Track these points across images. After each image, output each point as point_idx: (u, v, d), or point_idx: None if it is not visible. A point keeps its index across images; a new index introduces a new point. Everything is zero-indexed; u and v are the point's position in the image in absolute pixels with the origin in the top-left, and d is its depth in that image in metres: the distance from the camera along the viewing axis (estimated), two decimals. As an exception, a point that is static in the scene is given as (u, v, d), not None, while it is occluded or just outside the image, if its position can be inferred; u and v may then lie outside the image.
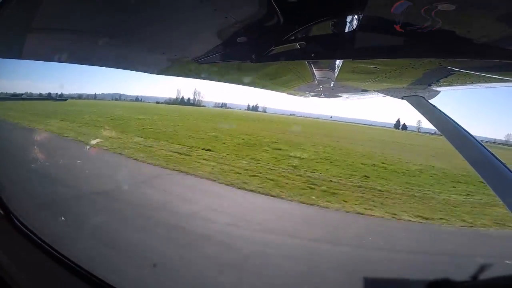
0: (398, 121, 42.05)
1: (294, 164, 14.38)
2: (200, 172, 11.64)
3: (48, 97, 26.54)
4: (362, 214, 9.13)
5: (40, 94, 26.53)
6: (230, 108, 45.55)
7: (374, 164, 15.85)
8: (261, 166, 13.43)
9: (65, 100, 26.69)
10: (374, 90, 4.50)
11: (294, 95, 7.37)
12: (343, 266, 5.88)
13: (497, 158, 3.01)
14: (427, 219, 9.18)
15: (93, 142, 14.07)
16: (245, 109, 47.82)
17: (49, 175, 8.61)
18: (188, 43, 2.55)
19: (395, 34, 1.77)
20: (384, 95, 4.35)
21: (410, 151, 22.06)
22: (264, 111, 48.29)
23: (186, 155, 13.93)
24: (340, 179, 12.73)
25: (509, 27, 1.51)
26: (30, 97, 23.93)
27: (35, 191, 7.02)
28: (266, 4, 1.89)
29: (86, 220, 6.13)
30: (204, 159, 13.60)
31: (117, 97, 38.19)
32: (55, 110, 21.18)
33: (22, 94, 23.76)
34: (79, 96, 31.44)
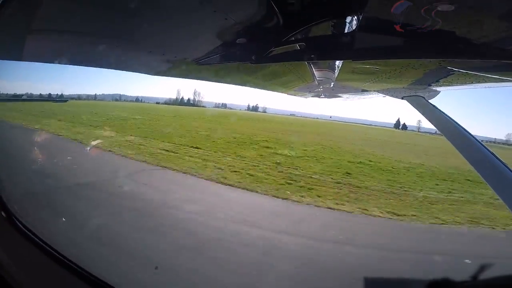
0: (398, 121, 42.09)
1: (278, 161, 14.84)
2: (182, 167, 12.15)
3: (49, 98, 26.50)
4: (332, 208, 9.44)
5: (41, 95, 26.51)
6: (231, 108, 45.57)
7: (360, 162, 16.17)
8: (245, 163, 13.86)
9: (66, 101, 26.63)
10: (374, 90, 4.50)
11: (294, 95, 7.37)
12: (299, 256, 6.25)
13: (497, 158, 3.01)
14: (398, 215, 9.36)
15: (91, 141, 14.51)
16: (245, 110, 47.86)
17: (39, 169, 9.21)
18: (188, 45, 2.55)
19: (395, 35, 1.78)
20: (384, 95, 4.35)
21: (403, 150, 22.37)
22: (264, 111, 48.31)
23: (173, 152, 14.42)
24: (320, 176, 13.05)
25: (509, 27, 1.51)
26: (30, 98, 23.88)
27: (29, 186, 7.27)
28: (265, 5, 1.90)
29: (67, 209, 6.66)
30: (189, 156, 14.09)
31: (117, 98, 38.18)
32: (53, 111, 21.35)
33: (22, 95, 23.71)
34: (79, 97, 31.40)
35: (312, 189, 11.11)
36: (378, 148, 21.45)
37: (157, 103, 41.46)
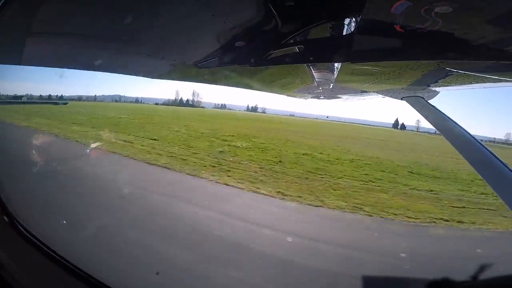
0: (397, 120, 42.00)
1: (221, 150, 15.96)
2: (128, 153, 13.85)
3: (49, 99, 26.47)
4: (233, 186, 10.76)
5: (41, 97, 26.45)
6: (229, 109, 45.48)
7: (305, 154, 16.90)
8: (187, 151, 15.02)
9: (66, 103, 26.57)
10: (373, 91, 4.51)
11: (294, 97, 7.38)
12: (189, 223, 7.22)
13: (496, 158, 3.02)
14: (285, 195, 10.26)
15: (67, 135, 16.26)
16: (244, 110, 47.77)
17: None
18: (188, 48, 2.56)
19: (393, 37, 1.78)
20: (383, 96, 4.36)
21: (375, 146, 22.64)
22: (264, 112, 48.21)
23: (129, 142, 15.76)
24: (249, 162, 14.16)
25: (506, 29, 1.52)
26: (30, 101, 23.85)
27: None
28: (264, 9, 1.90)
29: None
30: (141, 145, 15.49)
31: (117, 99, 38.16)
32: (50, 111, 21.98)
33: (22, 97, 23.71)
34: (79, 98, 31.41)
35: (229, 171, 12.40)
36: (350, 144, 22.01)
37: (156, 104, 41.48)
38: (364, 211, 9.47)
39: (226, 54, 2.47)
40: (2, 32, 1.91)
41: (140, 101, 40.95)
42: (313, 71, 4.08)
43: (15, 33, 2.02)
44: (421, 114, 3.68)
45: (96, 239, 5.69)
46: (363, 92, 4.95)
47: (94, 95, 34.27)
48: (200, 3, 1.83)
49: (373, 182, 12.85)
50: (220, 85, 4.68)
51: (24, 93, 23.99)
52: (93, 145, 14.54)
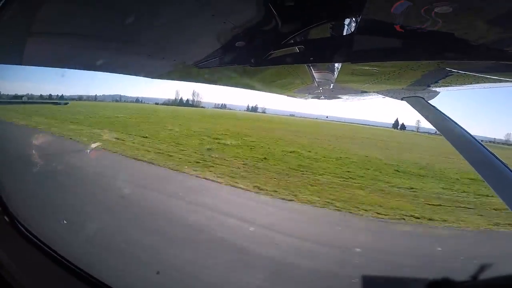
0: (397, 121, 42.03)
1: (209, 148, 16.34)
2: (117, 150, 14.29)
3: (49, 99, 26.48)
4: (212, 180, 11.23)
5: (41, 96, 26.46)
6: (229, 109, 45.50)
7: (293, 151, 17.33)
8: (176, 149, 15.42)
9: (67, 103, 26.57)
10: (374, 92, 4.51)
11: (294, 97, 7.38)
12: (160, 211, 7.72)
13: (497, 158, 3.02)
14: (261, 189, 10.72)
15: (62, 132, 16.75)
16: (244, 110, 47.78)
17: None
18: (188, 48, 2.56)
19: (393, 37, 1.79)
20: (383, 96, 4.36)
21: (368, 145, 23.13)
22: (264, 112, 48.19)
23: (121, 140, 16.23)
24: (234, 159, 14.53)
25: (506, 29, 1.52)
26: (30, 101, 23.85)
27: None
28: (264, 9, 1.91)
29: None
30: (132, 142, 16.00)
31: (118, 99, 38.19)
32: (49, 110, 22.31)
33: (22, 97, 23.73)
34: (80, 98, 31.43)
35: (212, 166, 12.88)
36: (343, 143, 22.46)
37: (156, 104, 41.51)
38: (334, 206, 9.78)
39: (226, 54, 2.47)
40: (2, 32, 1.91)
41: (140, 101, 40.97)
42: (313, 71, 4.08)
43: (15, 33, 2.03)
44: (421, 115, 3.67)
45: (80, 228, 5.88)
46: (363, 92, 4.95)
47: (94, 95, 34.35)
48: (200, 3, 1.83)
49: (353, 179, 13.11)
50: (220, 85, 4.69)
51: (24, 93, 24.02)
52: (87, 144, 14.97)
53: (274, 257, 6.03)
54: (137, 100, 40.74)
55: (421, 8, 1.44)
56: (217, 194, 10.16)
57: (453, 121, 3.38)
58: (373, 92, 4.53)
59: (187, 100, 44.11)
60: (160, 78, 3.73)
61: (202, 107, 43.51)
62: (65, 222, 5.85)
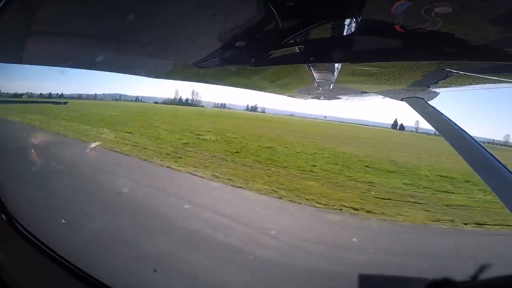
0: (396, 121, 42.10)
1: (186, 142, 17.20)
2: (101, 143, 15.42)
3: (49, 98, 26.50)
4: (173, 168, 12.21)
5: (41, 95, 26.48)
6: (229, 108, 45.50)
7: (269, 147, 18.15)
8: (154, 143, 16.30)
9: (66, 103, 26.53)
10: (373, 92, 4.51)
11: (294, 97, 7.38)
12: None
13: (496, 159, 3.02)
14: (218, 177, 11.52)
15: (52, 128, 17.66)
16: (243, 110, 47.78)
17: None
18: (188, 48, 2.56)
19: (393, 37, 1.78)
20: (383, 96, 4.36)
21: (355, 143, 23.81)
22: (263, 112, 48.19)
23: (104, 135, 17.30)
24: (206, 152, 15.38)
25: (506, 29, 1.52)
26: (30, 100, 23.82)
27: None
28: (264, 9, 1.90)
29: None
30: (115, 137, 17.01)
31: (117, 98, 38.17)
32: (46, 109, 22.82)
33: (22, 95, 23.74)
34: (79, 97, 31.44)
35: (180, 158, 13.74)
36: (329, 141, 23.07)
37: (155, 103, 41.50)
38: (279, 194, 10.45)
39: (226, 54, 2.47)
40: (3, 31, 1.91)
41: (140, 100, 40.94)
42: (313, 72, 4.08)
43: (16, 33, 2.03)
44: (421, 115, 3.68)
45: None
46: (363, 93, 4.95)
47: (94, 93, 34.38)
48: (201, 3, 1.83)
49: (314, 172, 13.75)
50: (220, 85, 4.69)
51: (24, 91, 24.07)
52: (73, 138, 16.08)
53: (196, 229, 6.94)
54: (136, 99, 40.74)
55: (421, 8, 1.44)
56: (173, 179, 11.10)
57: (452, 122, 3.38)
58: (373, 92, 4.53)
59: (187, 99, 44.12)
60: (160, 78, 3.73)
61: (201, 106, 43.49)
62: (52, 214, 6.07)
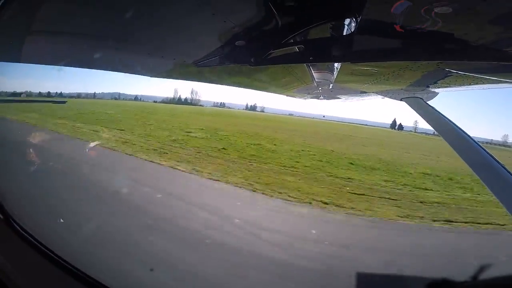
0: (394, 121, 42.11)
1: (175, 139, 17.58)
2: (88, 139, 15.95)
3: (48, 96, 26.38)
4: (157, 163, 12.70)
5: (40, 93, 26.37)
6: (228, 107, 45.46)
7: (258, 144, 18.59)
8: (144, 139, 16.79)
9: (65, 102, 26.44)
10: (373, 92, 4.51)
11: (293, 97, 7.39)
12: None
13: (495, 159, 3.02)
14: (198, 171, 12.03)
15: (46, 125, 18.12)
16: (243, 109, 47.74)
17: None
18: (187, 47, 2.56)
19: (393, 37, 1.78)
20: (383, 96, 4.36)
21: (347, 142, 24.05)
22: (262, 111, 48.20)
23: (96, 132, 17.81)
24: (192, 148, 15.79)
25: (506, 29, 1.52)
26: (29, 99, 23.72)
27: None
28: (264, 8, 1.90)
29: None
30: (107, 134, 17.38)
31: (116, 97, 38.07)
32: (42, 107, 22.99)
33: (21, 93, 23.68)
34: (79, 95, 31.36)
35: (165, 153, 14.23)
36: (322, 139, 23.37)
37: (154, 102, 41.42)
38: (253, 187, 10.87)
39: (226, 53, 2.47)
40: (3, 30, 1.91)
41: (139, 98, 40.81)
42: (312, 71, 4.08)
43: (16, 32, 2.03)
44: (420, 115, 3.68)
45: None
46: (362, 92, 4.95)
47: (93, 92, 34.28)
48: (201, 2, 1.82)
49: (295, 168, 14.02)
50: (220, 84, 4.68)
51: (23, 90, 24.00)
52: (66, 135, 16.65)
53: (159, 214, 7.47)
54: (136, 98, 40.56)
55: (421, 8, 1.44)
56: (155, 173, 11.69)
57: (451, 122, 3.39)
58: (372, 92, 4.53)
59: (186, 98, 44.07)
60: (160, 77, 3.73)
61: (200, 105, 43.44)
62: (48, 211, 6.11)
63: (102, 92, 35.32)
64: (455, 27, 1.59)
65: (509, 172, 2.88)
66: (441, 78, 2.77)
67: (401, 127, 41.42)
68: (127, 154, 13.68)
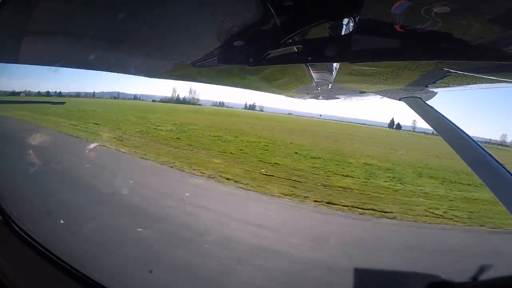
0: (392, 120, 42.22)
1: (139, 131, 18.63)
2: (66, 131, 16.97)
3: (47, 96, 26.40)
4: (131, 154, 13.52)
5: (39, 93, 26.37)
6: (227, 107, 45.53)
7: (217, 136, 19.54)
8: (124, 134, 17.66)
9: (63, 103, 26.38)
10: (371, 92, 4.51)
11: (292, 97, 7.39)
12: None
13: (494, 159, 3.02)
14: (169, 163, 12.60)
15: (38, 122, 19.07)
16: (242, 109, 47.80)
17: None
18: (186, 47, 2.55)
19: (391, 37, 1.78)
20: (381, 96, 4.36)
21: (340, 140, 25.02)
22: (261, 110, 48.28)
23: (74, 125, 18.77)
24: (173, 142, 16.67)
25: (505, 29, 1.52)
26: (27, 100, 23.65)
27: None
28: (263, 8, 1.90)
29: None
30: (85, 128, 18.40)
31: (115, 96, 38.06)
32: (35, 105, 23.69)
33: (20, 93, 23.66)
34: (77, 95, 31.37)
35: (122, 141, 15.50)
36: (313, 137, 24.22)
37: (153, 101, 41.42)
38: (173, 164, 12.28)
39: (224, 54, 2.46)
40: (1, 31, 1.90)
41: (138, 98, 40.84)
42: (311, 71, 4.08)
43: (14, 32, 2.02)
44: (419, 115, 3.68)
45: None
46: (361, 92, 4.95)
47: (92, 92, 34.29)
48: (200, 2, 1.82)
49: (232, 153, 15.16)
50: (219, 84, 4.68)
51: (22, 90, 23.98)
52: (47, 128, 17.93)
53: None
54: (135, 97, 40.64)
55: (420, 8, 1.44)
56: (125, 163, 12.52)
57: (450, 121, 3.39)
58: (371, 92, 4.53)
59: (184, 98, 44.16)
60: (158, 77, 3.72)
61: (199, 105, 43.49)
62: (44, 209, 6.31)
63: (101, 92, 35.35)
64: (454, 26, 1.59)
65: (508, 172, 2.88)
66: (440, 78, 2.77)
67: (399, 126, 41.55)
68: (90, 142, 15.11)
